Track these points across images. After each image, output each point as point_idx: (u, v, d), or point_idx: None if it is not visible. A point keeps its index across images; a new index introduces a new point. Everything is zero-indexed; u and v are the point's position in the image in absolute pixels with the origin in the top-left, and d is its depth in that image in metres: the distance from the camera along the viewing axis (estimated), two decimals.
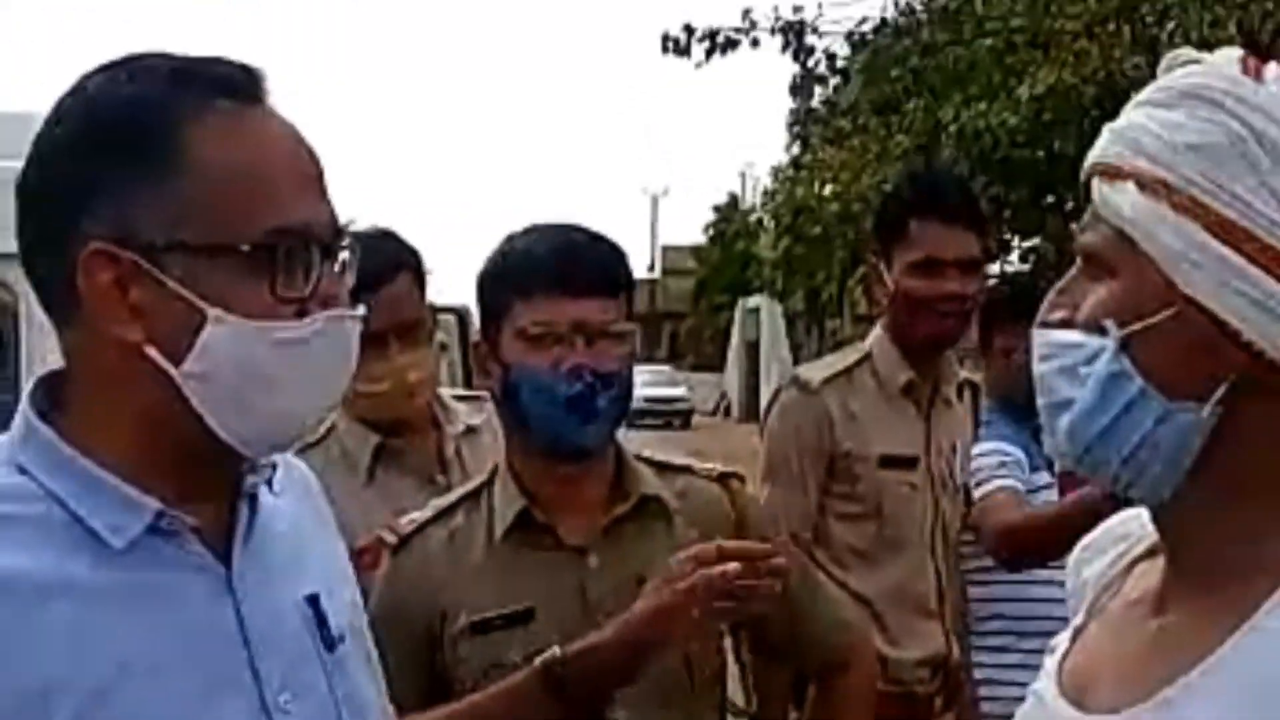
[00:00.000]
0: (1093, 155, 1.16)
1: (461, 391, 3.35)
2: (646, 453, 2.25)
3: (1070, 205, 15.15)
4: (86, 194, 1.19)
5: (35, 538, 1.16)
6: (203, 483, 1.26)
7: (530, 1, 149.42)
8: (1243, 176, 1.07)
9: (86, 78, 1.24)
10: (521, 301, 2.06)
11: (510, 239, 2.16)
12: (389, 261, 2.61)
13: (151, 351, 1.19)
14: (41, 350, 3.36)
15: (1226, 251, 1.06)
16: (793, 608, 2.21)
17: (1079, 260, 1.18)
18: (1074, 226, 1.20)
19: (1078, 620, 1.28)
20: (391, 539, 2.18)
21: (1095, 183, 1.15)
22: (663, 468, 2.21)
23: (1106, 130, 1.17)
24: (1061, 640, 1.28)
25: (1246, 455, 1.10)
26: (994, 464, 3.48)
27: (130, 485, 1.20)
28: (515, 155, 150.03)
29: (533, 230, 2.15)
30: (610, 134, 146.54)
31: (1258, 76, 1.10)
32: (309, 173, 1.26)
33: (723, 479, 2.24)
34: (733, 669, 2.22)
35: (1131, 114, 1.15)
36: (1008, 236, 16.03)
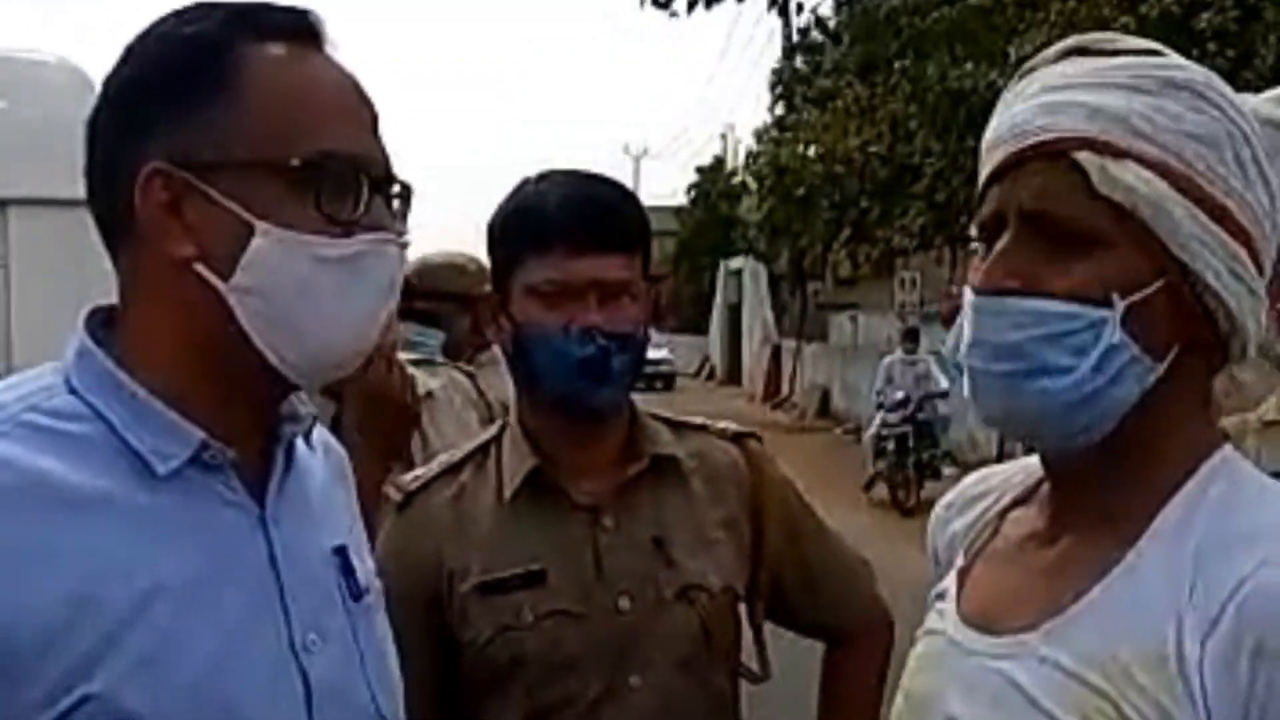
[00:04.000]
0: (1065, 127, 1.20)
1: (416, 356, 3.22)
2: (660, 412, 2.18)
3: None
4: (146, 122, 1.23)
5: (83, 455, 1.19)
6: (245, 415, 1.28)
7: None
8: (1235, 169, 1.18)
9: (154, 24, 1.28)
10: (534, 256, 1.98)
11: (523, 185, 2.06)
12: None
13: (201, 268, 1.22)
14: (33, 304, 3.27)
15: (1221, 233, 1.18)
16: (808, 571, 2.18)
17: (1019, 224, 1.21)
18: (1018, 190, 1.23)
19: (960, 563, 1.39)
20: (396, 495, 2.11)
21: (1086, 156, 1.18)
22: (678, 426, 2.15)
23: (1072, 105, 1.20)
24: (948, 585, 1.37)
25: (1168, 405, 1.21)
26: None
27: (176, 413, 1.23)
28: (495, 112, 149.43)
29: (548, 177, 2.05)
30: (593, 93, 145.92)
31: None
32: (362, 111, 1.29)
33: (739, 439, 2.18)
34: (747, 633, 2.18)
35: (1111, 94, 1.19)
36: None
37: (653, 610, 1.99)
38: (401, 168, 1.32)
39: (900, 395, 15.26)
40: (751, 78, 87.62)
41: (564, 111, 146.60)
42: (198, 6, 1.28)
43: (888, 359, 16.22)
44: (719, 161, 44.25)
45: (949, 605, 1.35)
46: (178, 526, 1.21)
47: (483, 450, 2.11)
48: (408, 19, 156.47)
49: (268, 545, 1.27)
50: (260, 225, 1.21)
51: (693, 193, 45.21)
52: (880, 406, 15.45)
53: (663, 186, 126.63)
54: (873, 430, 15.32)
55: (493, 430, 2.16)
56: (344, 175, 1.24)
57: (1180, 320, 1.19)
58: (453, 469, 2.10)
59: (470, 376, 3.75)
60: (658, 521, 2.03)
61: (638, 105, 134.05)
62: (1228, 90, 1.21)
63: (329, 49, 1.30)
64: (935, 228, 15.76)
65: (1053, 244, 1.20)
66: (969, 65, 11.58)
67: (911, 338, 16.15)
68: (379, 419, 2.46)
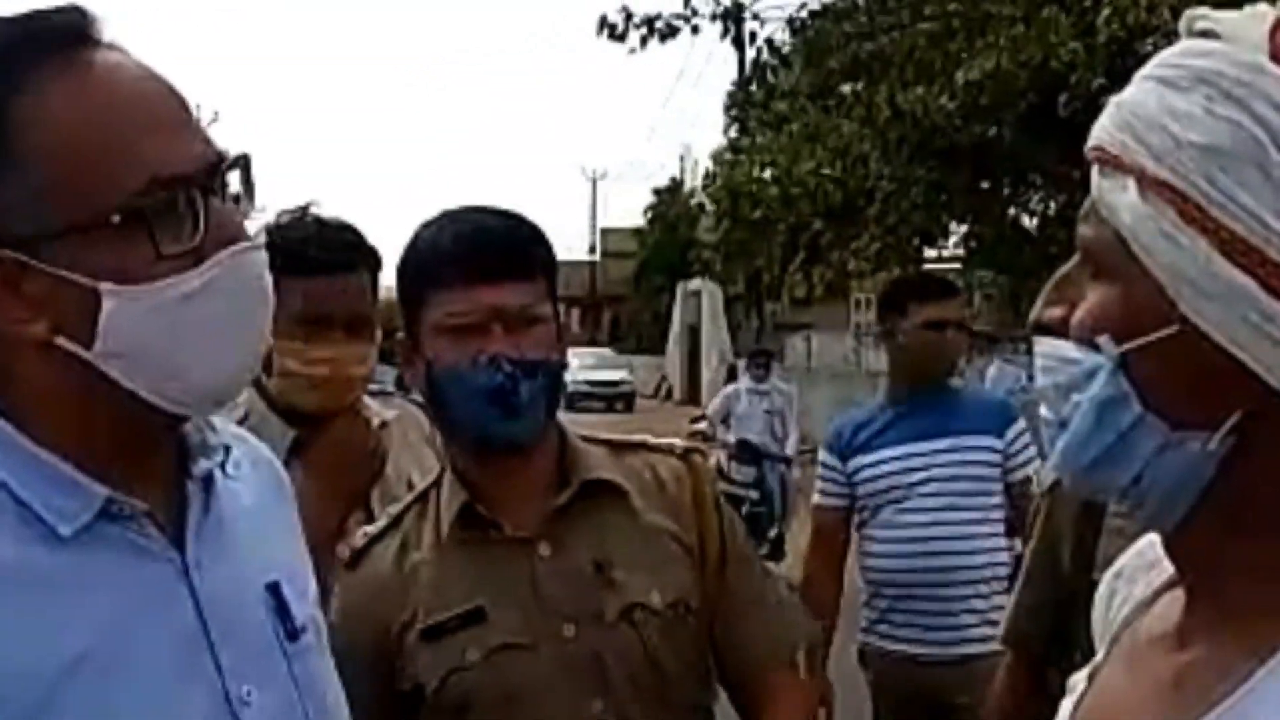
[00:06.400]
0: (1095, 131, 1.01)
1: (373, 387, 3.26)
2: (597, 434, 2.19)
3: (1007, 190, 15.28)
4: None
5: None
6: (151, 463, 1.22)
7: None
8: (1257, 188, 0.91)
9: None
10: (434, 293, 1.99)
11: (420, 229, 2.06)
12: (350, 251, 2.55)
13: (62, 341, 1.15)
14: None
15: (1237, 275, 0.91)
16: (731, 600, 2.13)
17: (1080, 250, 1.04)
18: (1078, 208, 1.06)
19: (1097, 658, 1.16)
20: (345, 554, 2.12)
21: (1094, 171, 1.00)
22: (617, 447, 2.15)
23: (1112, 103, 1.00)
24: (1079, 680, 1.16)
25: (1262, 487, 0.96)
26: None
27: (78, 470, 1.17)
28: (453, 136, 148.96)
29: (442, 217, 2.06)
30: (550, 116, 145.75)
31: None
32: (165, 113, 1.18)
33: (685, 454, 2.17)
34: None
35: (1140, 87, 0.98)
36: (945, 221, 16.11)
37: (599, 634, 1.99)
38: (354, 199, 1.23)
39: (751, 438, 11.77)
40: (708, 99, 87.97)
41: (520, 134, 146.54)
42: None
43: (730, 388, 13.17)
44: (677, 183, 44.30)
45: (1068, 708, 1.15)
46: (92, 588, 1.15)
47: (423, 498, 2.12)
48: (355, 36, 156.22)
49: (192, 594, 1.21)
50: (105, 288, 1.13)
51: (650, 214, 45.24)
52: (706, 438, 11.45)
53: (621, 208, 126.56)
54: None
55: (432, 477, 2.16)
56: (171, 202, 1.15)
57: (1224, 382, 0.94)
58: (395, 521, 2.12)
59: (424, 409, 3.77)
60: (597, 544, 2.02)
61: (595, 127, 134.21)
62: (1273, 82, 0.91)
63: (112, 43, 1.18)
64: (888, 250, 15.82)
65: (1089, 270, 1.02)
66: (919, 89, 11.65)
67: (761, 362, 12.72)
68: (342, 468, 2.46)
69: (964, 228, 16.69)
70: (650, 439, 2.22)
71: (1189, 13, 1.00)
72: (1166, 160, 0.94)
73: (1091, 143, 1.00)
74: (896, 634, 4.24)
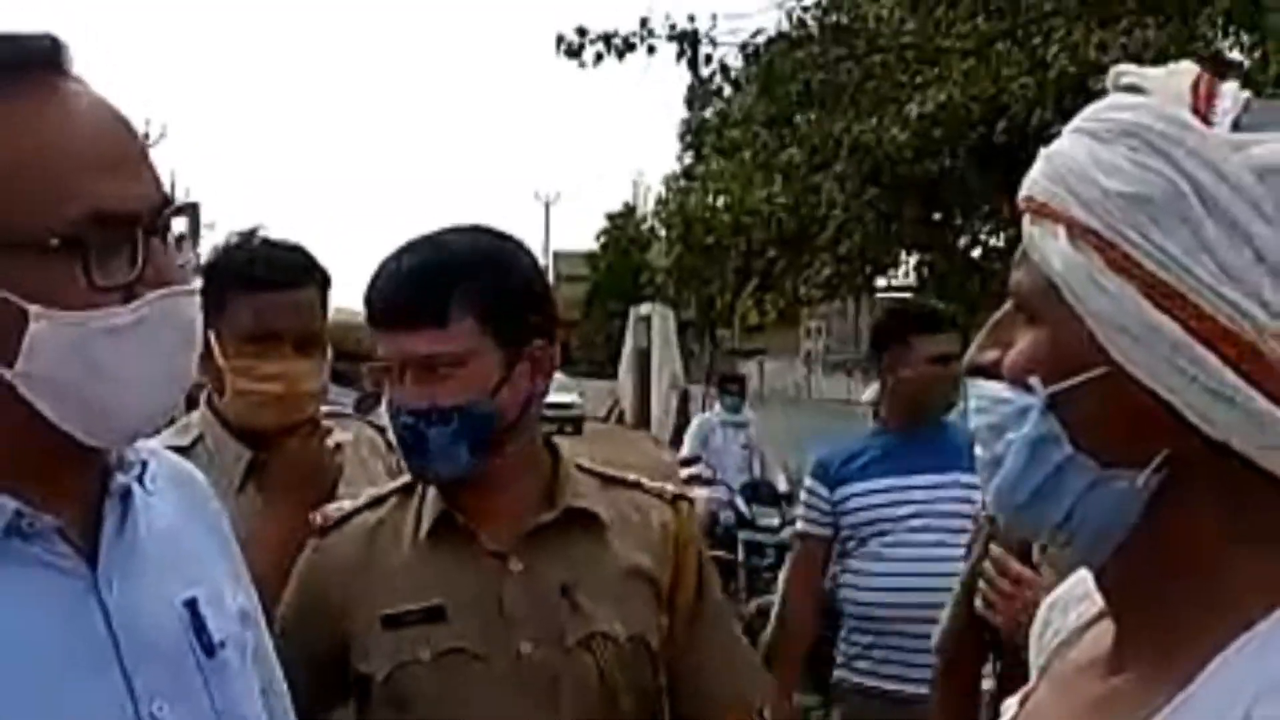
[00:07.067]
0: (1026, 182, 1.05)
1: (328, 409, 3.25)
2: (594, 465, 2.20)
3: (959, 220, 15.41)
4: None
5: None
6: (65, 480, 1.21)
7: (423, 4, 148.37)
8: (1180, 236, 0.95)
9: None
10: (374, 331, 2.05)
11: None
12: (298, 268, 2.55)
13: None
14: None
15: (1162, 320, 0.95)
16: (695, 652, 2.14)
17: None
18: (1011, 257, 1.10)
19: (1030, 684, 1.20)
20: (320, 521, 2.15)
21: (1025, 219, 1.04)
22: (609, 481, 2.17)
23: (1043, 155, 1.04)
24: (1011, 705, 1.19)
25: (1189, 523, 1.00)
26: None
27: None
28: (405, 159, 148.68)
29: (394, 253, 2.05)
30: (502, 139, 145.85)
31: (1208, 107, 0.99)
32: (118, 150, 1.18)
33: (675, 500, 2.19)
34: None
35: (1069, 139, 1.03)
36: (897, 251, 16.23)
37: (556, 656, 2.00)
38: (307, 220, 1.24)
39: (747, 478, 10.81)
40: (662, 125, 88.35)
41: (473, 157, 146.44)
42: None
43: (702, 416, 12.58)
44: (629, 208, 44.43)
45: None
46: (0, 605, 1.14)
47: (409, 489, 2.14)
48: (312, 60, 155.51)
49: (102, 610, 1.20)
50: (33, 309, 1.12)
51: (603, 239, 45.35)
52: (707, 482, 10.45)
53: (574, 232, 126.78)
54: (723, 520, 10.43)
55: None
56: (112, 238, 1.15)
57: (1152, 423, 0.98)
58: (375, 503, 2.14)
59: (381, 431, 3.77)
60: (567, 569, 2.03)
61: (549, 150, 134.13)
62: (1204, 143, 0.96)
63: (75, 75, 1.19)
64: (840, 278, 15.92)
65: (1021, 315, 1.06)
66: (873, 120, 11.73)
67: (733, 390, 11.82)
68: (295, 484, 2.48)
69: (915, 257, 16.79)
70: (645, 480, 2.23)
71: (1115, 69, 1.05)
72: (1095, 209, 0.98)
73: (1024, 193, 1.04)
74: (878, 670, 4.12)
